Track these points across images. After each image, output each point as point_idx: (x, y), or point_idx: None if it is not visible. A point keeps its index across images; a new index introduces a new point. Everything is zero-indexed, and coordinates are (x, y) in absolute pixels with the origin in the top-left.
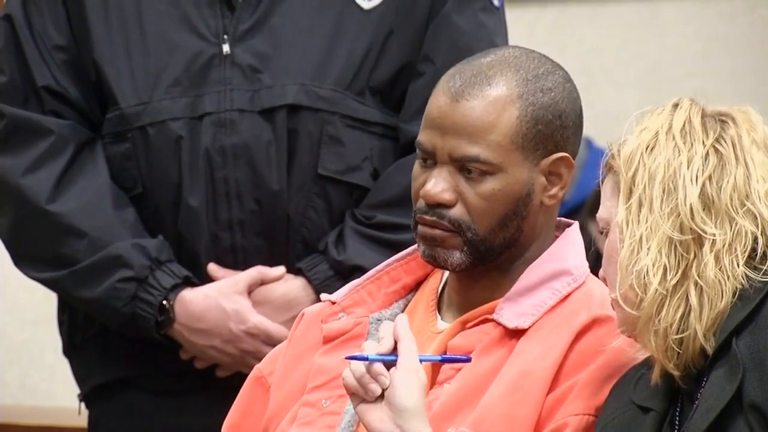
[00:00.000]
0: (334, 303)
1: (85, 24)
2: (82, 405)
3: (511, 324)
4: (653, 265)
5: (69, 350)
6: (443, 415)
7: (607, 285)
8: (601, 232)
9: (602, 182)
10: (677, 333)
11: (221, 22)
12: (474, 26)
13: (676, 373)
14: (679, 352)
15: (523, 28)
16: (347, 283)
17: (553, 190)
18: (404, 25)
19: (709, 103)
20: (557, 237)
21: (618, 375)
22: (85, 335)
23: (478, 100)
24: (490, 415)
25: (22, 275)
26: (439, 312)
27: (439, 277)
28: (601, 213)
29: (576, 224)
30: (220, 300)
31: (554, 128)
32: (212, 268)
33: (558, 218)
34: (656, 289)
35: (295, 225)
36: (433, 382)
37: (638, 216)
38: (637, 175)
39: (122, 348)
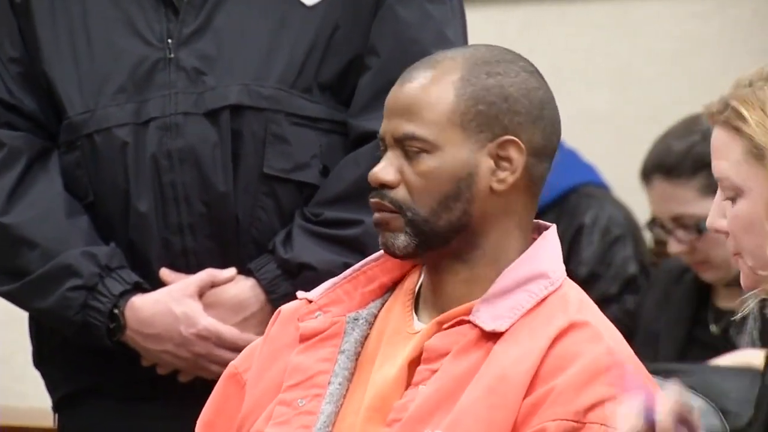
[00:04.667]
0: (310, 301)
1: (34, 33)
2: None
3: (488, 327)
4: None
5: (37, 362)
6: (418, 417)
7: (739, 259)
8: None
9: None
10: None
11: (166, 26)
12: (419, 17)
13: None
14: None
15: (492, 27)
16: (296, 282)
17: (502, 175)
18: (351, 19)
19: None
20: (535, 239)
21: (595, 380)
22: (51, 346)
23: (419, 80)
24: (465, 418)
25: None
26: (416, 312)
27: (416, 277)
28: (724, 172)
29: (553, 227)
30: (170, 304)
31: (499, 110)
32: (164, 272)
33: (535, 220)
34: None
35: (244, 226)
36: (408, 383)
37: None
38: None
39: (87, 356)
